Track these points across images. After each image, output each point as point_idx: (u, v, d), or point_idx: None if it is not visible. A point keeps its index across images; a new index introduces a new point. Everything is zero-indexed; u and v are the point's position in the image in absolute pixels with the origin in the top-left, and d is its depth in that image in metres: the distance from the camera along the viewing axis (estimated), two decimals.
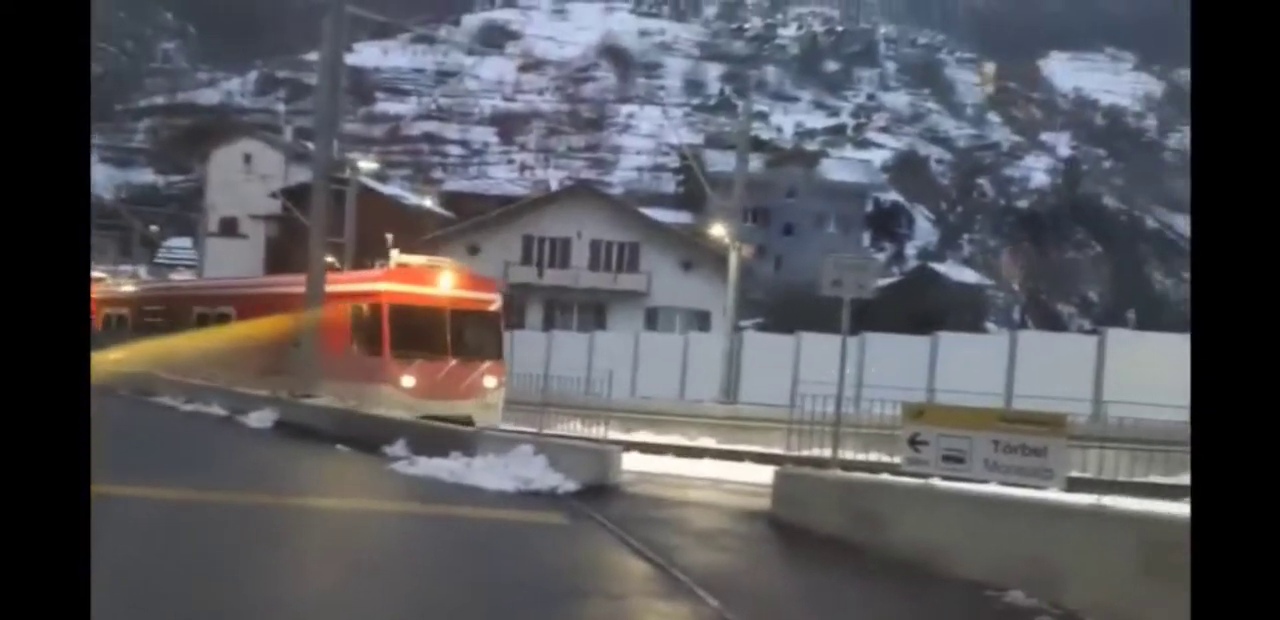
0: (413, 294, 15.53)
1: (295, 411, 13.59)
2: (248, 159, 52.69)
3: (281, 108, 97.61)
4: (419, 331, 15.19)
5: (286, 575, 5.80)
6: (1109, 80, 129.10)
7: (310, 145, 19.86)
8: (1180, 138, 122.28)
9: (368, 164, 35.14)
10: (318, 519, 7.73)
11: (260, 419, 13.64)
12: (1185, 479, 12.76)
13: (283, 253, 38.77)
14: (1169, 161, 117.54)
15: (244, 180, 48.67)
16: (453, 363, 15.12)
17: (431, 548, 7.12)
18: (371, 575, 5.88)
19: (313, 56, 15.44)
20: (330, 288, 16.06)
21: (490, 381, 15.38)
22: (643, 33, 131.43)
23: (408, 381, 14.58)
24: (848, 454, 8.96)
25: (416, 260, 16.54)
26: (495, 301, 16.31)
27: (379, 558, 6.53)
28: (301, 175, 37.94)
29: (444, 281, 15.67)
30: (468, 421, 13.58)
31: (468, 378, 15.18)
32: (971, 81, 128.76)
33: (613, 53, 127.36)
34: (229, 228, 50.13)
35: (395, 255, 16.79)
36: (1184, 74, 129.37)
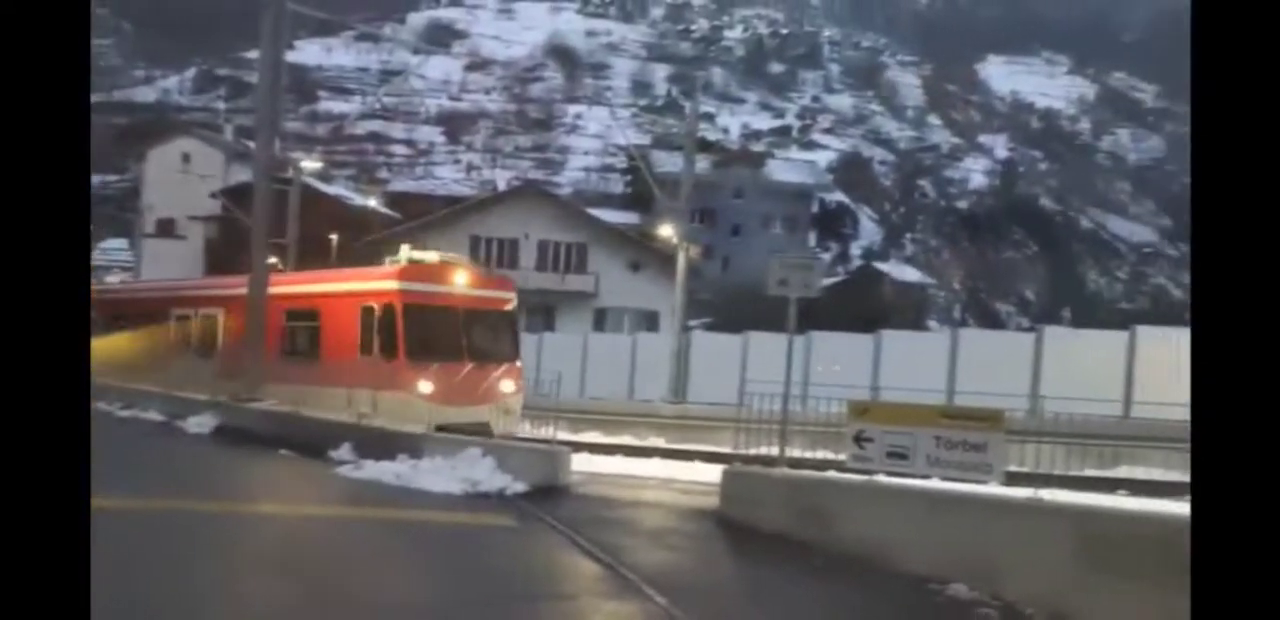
0: (427, 293, 14.30)
1: (236, 416, 13.30)
2: (186, 158, 51.36)
3: (221, 106, 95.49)
4: (435, 333, 14.08)
5: (224, 584, 5.67)
6: (1044, 83, 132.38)
7: (251, 144, 19.37)
8: (1113, 140, 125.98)
9: (311, 163, 34.49)
10: (258, 526, 7.57)
11: (199, 424, 13.33)
12: (1119, 472, 13.13)
13: (223, 254, 37.90)
14: (1102, 163, 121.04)
15: (182, 180, 47.44)
16: (469, 366, 13.92)
17: (378, 552, 7.03)
18: (315, 582, 5.78)
19: (253, 54, 15.20)
20: (335, 286, 15.30)
21: (508, 386, 14.29)
22: (590, 33, 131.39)
23: (425, 387, 13.33)
24: (795, 452, 9.04)
25: (429, 257, 15.21)
26: (511, 300, 15.23)
27: (323, 564, 6.42)
28: (242, 175, 37.13)
29: (458, 279, 14.55)
30: (485, 429, 12.86)
31: (485, 381, 14.02)
32: (913, 84, 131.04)
33: (560, 53, 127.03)
34: (166, 229, 48.85)
35: (405, 251, 15.27)
36: (1117, 77, 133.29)
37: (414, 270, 14.62)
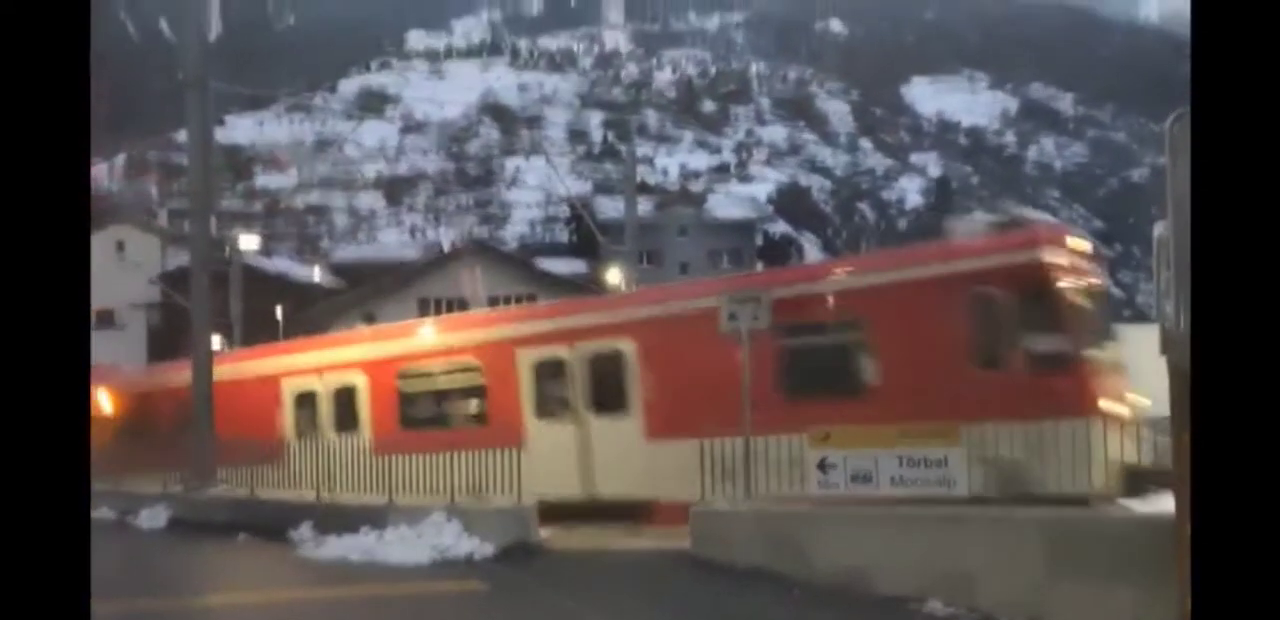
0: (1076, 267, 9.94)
1: (189, 506, 12.91)
2: (120, 246, 50.63)
3: (154, 190, 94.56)
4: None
5: None
6: (968, 100, 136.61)
7: (187, 226, 19.04)
8: (1038, 150, 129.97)
9: (248, 240, 34.26)
10: (219, 618, 7.34)
11: (152, 517, 12.92)
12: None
13: (167, 341, 37.23)
14: (1030, 173, 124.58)
15: (118, 269, 46.75)
16: None
17: None
18: None
19: (182, 135, 15.24)
20: (901, 274, 10.49)
21: None
22: (522, 87, 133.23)
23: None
24: (761, 484, 9.04)
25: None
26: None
27: None
28: (180, 258, 36.72)
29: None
30: None
31: None
32: (843, 111, 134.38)
33: (494, 109, 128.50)
34: (106, 319, 47.90)
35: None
36: (1035, 88, 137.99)
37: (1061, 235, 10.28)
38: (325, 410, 13.83)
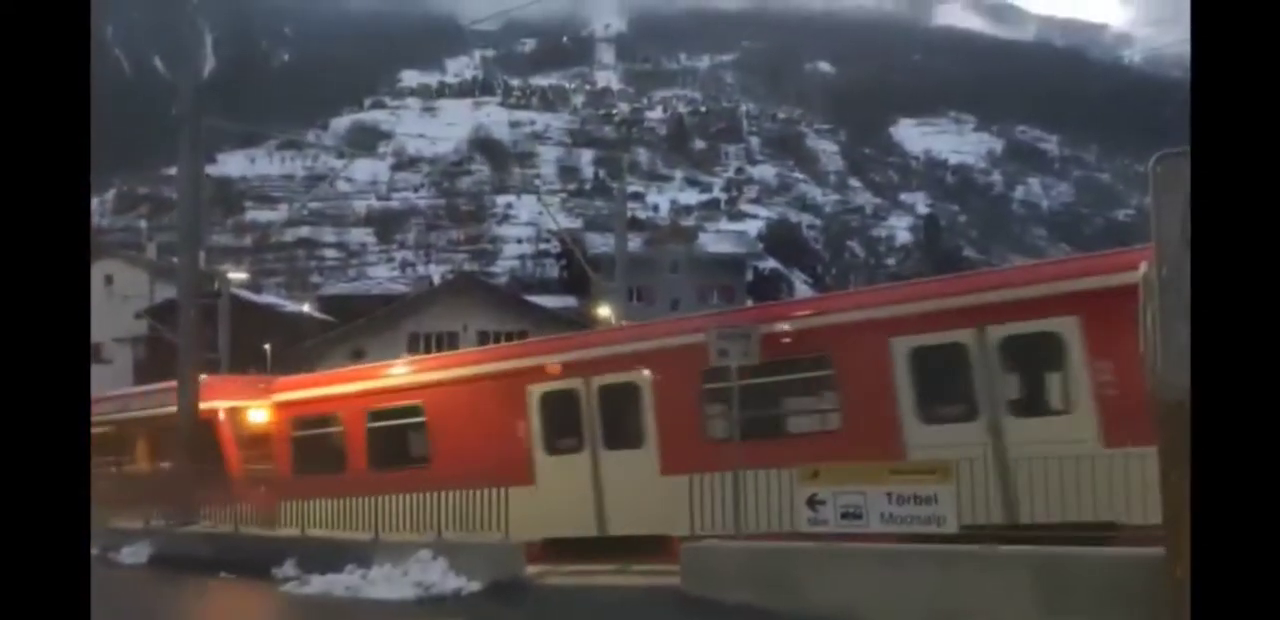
0: None
1: (171, 542, 12.73)
2: (109, 280, 50.47)
3: (143, 224, 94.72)
4: None
5: None
6: (954, 141, 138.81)
7: (175, 261, 19.05)
8: (1024, 189, 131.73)
9: (237, 275, 34.28)
10: None
11: (134, 554, 12.73)
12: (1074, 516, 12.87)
13: (153, 376, 36.99)
14: (1017, 212, 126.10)
15: (106, 302, 46.58)
16: None
17: None
18: None
19: (173, 170, 15.39)
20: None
21: None
22: (514, 124, 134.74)
23: None
24: (750, 521, 8.99)
25: None
26: None
27: None
28: (168, 292, 36.65)
29: None
30: None
31: None
32: (831, 150, 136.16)
33: (485, 145, 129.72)
34: (92, 353, 47.68)
35: None
36: (1020, 130, 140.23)
37: None
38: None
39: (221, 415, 14.49)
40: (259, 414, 14.24)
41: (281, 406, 13.88)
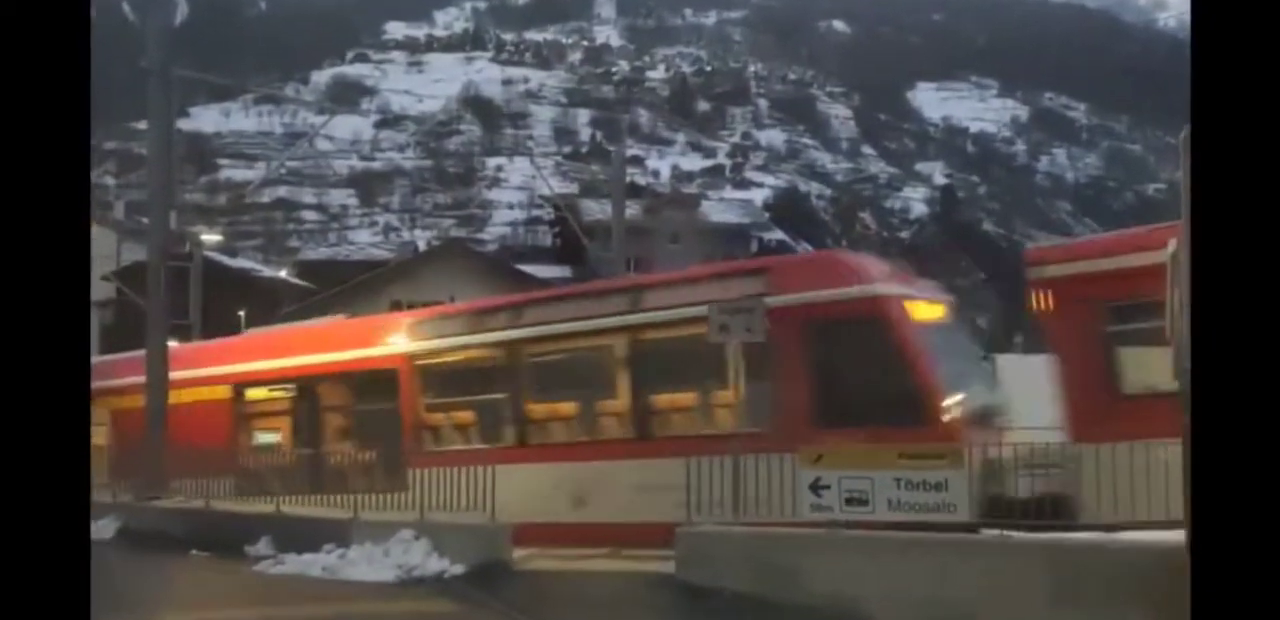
0: None
1: (140, 517, 12.81)
2: None
3: (111, 182, 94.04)
4: None
5: None
6: (976, 107, 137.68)
7: (145, 220, 18.95)
8: (1049, 160, 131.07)
9: (210, 237, 34.14)
10: None
11: (100, 529, 12.79)
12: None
13: (121, 341, 36.93)
14: (1041, 184, 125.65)
15: None
16: None
17: None
18: None
19: (142, 125, 15.16)
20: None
21: None
22: (506, 81, 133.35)
23: None
24: (750, 507, 9.04)
25: None
26: None
27: None
28: (137, 254, 36.47)
29: None
30: None
31: None
32: (844, 115, 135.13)
33: (476, 104, 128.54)
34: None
35: None
36: (1047, 97, 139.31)
37: None
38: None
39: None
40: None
41: None
